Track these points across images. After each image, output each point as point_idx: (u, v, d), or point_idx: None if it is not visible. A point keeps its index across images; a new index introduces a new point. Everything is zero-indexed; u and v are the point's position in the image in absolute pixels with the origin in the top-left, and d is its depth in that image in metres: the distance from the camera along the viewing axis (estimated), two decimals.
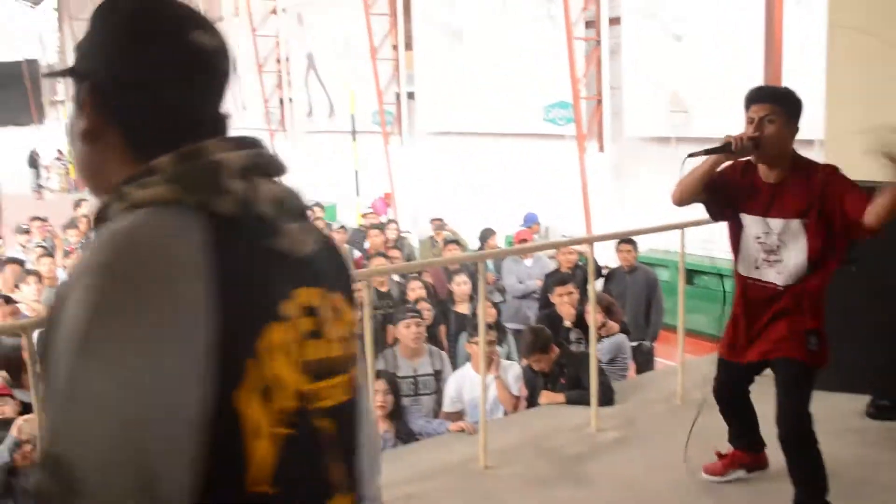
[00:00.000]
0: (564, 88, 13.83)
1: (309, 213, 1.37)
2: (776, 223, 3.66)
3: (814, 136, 6.53)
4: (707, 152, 3.75)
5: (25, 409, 4.93)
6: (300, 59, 21.99)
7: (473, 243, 11.21)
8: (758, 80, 6.88)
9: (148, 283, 1.06)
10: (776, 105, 3.62)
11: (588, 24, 13.97)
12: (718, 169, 3.76)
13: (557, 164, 14.37)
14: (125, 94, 1.22)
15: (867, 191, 3.38)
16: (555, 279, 6.98)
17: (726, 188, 3.82)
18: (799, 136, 3.67)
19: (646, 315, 8.01)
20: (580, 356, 5.63)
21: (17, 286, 7.66)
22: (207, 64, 1.26)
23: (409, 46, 18.84)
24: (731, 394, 4.03)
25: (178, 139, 1.18)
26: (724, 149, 3.68)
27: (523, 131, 15.17)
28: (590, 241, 5.22)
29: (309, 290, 1.26)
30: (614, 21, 13.55)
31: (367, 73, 18.57)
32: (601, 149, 14.03)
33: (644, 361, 7.78)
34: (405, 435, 5.16)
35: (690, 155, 3.78)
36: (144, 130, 1.22)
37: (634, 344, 7.32)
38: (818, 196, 3.54)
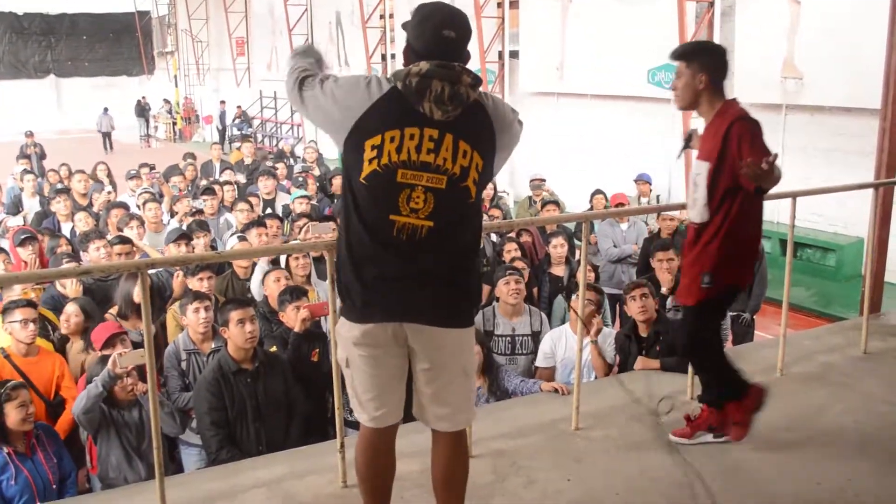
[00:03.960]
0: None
1: (461, 100, 2.81)
2: (695, 164, 3.99)
3: None
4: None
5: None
6: (404, 15, 21.99)
7: (571, 205, 11.11)
8: (881, 47, 6.56)
9: None
10: (679, 61, 4.02)
11: None
12: None
13: (660, 128, 14.08)
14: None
15: None
16: (657, 244, 6.87)
17: None
18: None
19: (749, 286, 7.80)
20: (677, 323, 5.54)
21: (119, 229, 7.94)
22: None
23: (514, 5, 18.62)
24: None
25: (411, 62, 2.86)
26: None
27: (627, 94, 14.90)
28: None
29: (421, 127, 2.80)
30: None
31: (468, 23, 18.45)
32: None
33: (742, 333, 7.60)
34: (499, 392, 5.19)
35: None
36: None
37: (733, 314, 7.16)
38: (722, 141, 3.79)
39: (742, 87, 12.82)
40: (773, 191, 4.15)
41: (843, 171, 10.56)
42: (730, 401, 4.16)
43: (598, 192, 10.01)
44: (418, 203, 2.81)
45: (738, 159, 3.69)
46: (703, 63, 3.93)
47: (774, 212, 11.84)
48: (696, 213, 3.94)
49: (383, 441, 3.15)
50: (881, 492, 3.87)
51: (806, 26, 11.46)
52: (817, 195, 5.96)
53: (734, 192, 3.82)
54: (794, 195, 5.12)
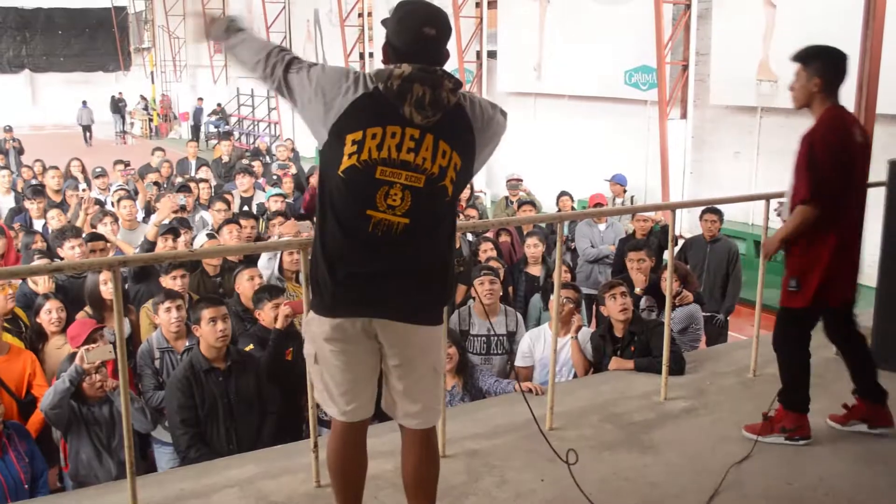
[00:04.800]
0: (648, 53, 13.56)
1: (443, 103, 2.81)
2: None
3: None
4: None
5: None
6: (383, 14, 21.97)
7: (548, 205, 11.15)
8: (854, 52, 6.63)
9: None
10: (797, 63, 4.15)
11: None
12: None
13: (637, 129, 14.14)
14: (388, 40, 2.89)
15: None
16: (630, 244, 6.91)
17: None
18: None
19: (723, 287, 7.87)
20: (651, 324, 5.57)
21: (93, 226, 7.86)
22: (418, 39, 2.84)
23: (492, 5, 18.64)
24: None
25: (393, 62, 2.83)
26: None
27: (603, 95, 14.95)
28: (671, 207, 5.15)
29: (403, 127, 2.78)
30: None
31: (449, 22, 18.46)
32: (683, 115, 13.75)
33: (716, 334, 7.67)
34: (474, 391, 5.19)
35: None
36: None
37: (707, 315, 7.21)
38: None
39: (717, 89, 12.96)
40: (746, 192, 4.25)
41: None
42: (787, 407, 4.33)
43: (563, 193, 10.13)
44: (396, 200, 2.81)
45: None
46: (819, 67, 4.07)
47: (749, 213, 11.96)
48: (785, 212, 4.18)
49: (355, 436, 3.16)
50: (853, 491, 3.91)
51: (781, 30, 11.54)
52: None
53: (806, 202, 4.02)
54: (767, 197, 5.17)
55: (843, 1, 10.03)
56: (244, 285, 5.94)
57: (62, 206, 9.53)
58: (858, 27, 6.45)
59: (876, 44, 6.38)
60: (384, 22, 2.96)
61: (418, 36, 2.83)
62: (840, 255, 4.13)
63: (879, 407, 4.37)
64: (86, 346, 4.62)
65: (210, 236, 7.17)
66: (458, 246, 7.52)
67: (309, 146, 23.90)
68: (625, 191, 10.97)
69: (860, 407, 4.43)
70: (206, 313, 4.81)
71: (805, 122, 4.09)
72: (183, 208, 8.82)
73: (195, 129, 31.96)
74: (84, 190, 10.93)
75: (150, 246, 6.87)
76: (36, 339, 5.56)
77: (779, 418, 4.33)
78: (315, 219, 3.03)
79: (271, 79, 2.97)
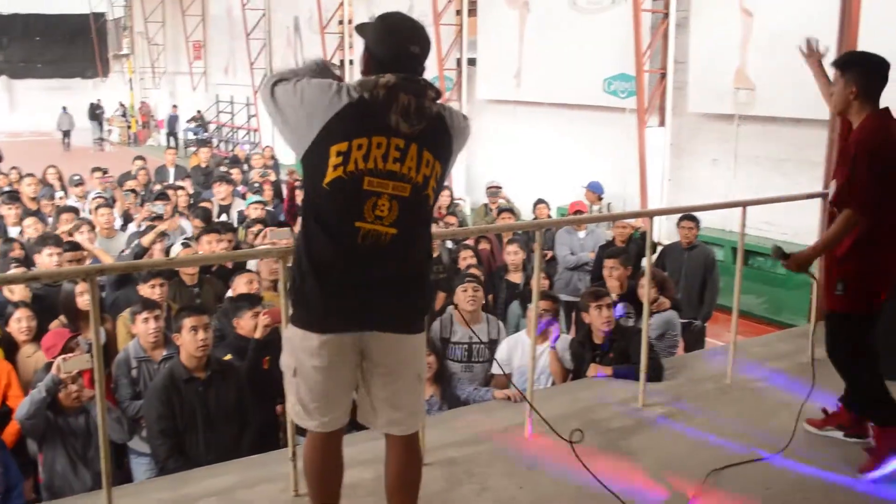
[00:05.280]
0: (627, 61, 13.63)
1: (427, 112, 2.86)
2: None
3: None
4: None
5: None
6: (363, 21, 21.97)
7: (527, 213, 11.17)
8: (829, 60, 6.69)
9: None
10: (836, 69, 4.20)
11: None
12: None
13: (616, 137, 14.21)
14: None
15: None
16: (607, 252, 6.95)
17: None
18: None
19: (700, 294, 7.91)
20: (630, 330, 5.59)
21: (70, 234, 7.80)
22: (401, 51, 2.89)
23: (472, 13, 18.69)
24: None
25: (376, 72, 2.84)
26: None
27: (582, 102, 15.01)
28: (649, 214, 5.18)
29: (388, 137, 2.80)
30: None
31: (429, 38, 18.50)
32: (661, 123, 13.84)
33: (694, 340, 7.70)
34: (452, 399, 5.18)
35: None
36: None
37: (685, 321, 7.24)
38: (851, 161, 4.01)
39: (695, 97, 13.04)
40: (724, 200, 4.27)
41: (793, 181, 10.75)
42: (882, 425, 4.18)
43: (540, 201, 10.19)
44: (383, 211, 2.83)
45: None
46: (855, 75, 4.08)
47: (726, 220, 12.04)
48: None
49: (331, 444, 3.16)
50: (830, 496, 3.94)
51: (758, 38, 11.64)
52: (768, 204, 6.08)
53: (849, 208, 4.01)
54: (744, 204, 5.20)
55: (818, 9, 10.11)
56: (241, 289, 5.92)
57: (38, 213, 9.45)
58: (834, 36, 6.50)
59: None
60: (361, 29, 2.97)
61: (404, 53, 2.89)
62: (890, 259, 4.13)
63: (860, 419, 4.37)
64: (62, 356, 4.58)
65: (185, 245, 7.11)
66: (437, 254, 7.53)
67: (289, 154, 23.84)
68: (600, 199, 11.00)
69: (840, 415, 4.44)
70: (188, 322, 4.77)
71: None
72: (160, 217, 8.75)
73: (171, 137, 31.92)
74: (60, 197, 10.86)
75: (142, 251, 6.81)
76: (6, 349, 5.50)
77: (882, 446, 4.14)
78: (298, 230, 3.04)
79: (265, 89, 2.97)
